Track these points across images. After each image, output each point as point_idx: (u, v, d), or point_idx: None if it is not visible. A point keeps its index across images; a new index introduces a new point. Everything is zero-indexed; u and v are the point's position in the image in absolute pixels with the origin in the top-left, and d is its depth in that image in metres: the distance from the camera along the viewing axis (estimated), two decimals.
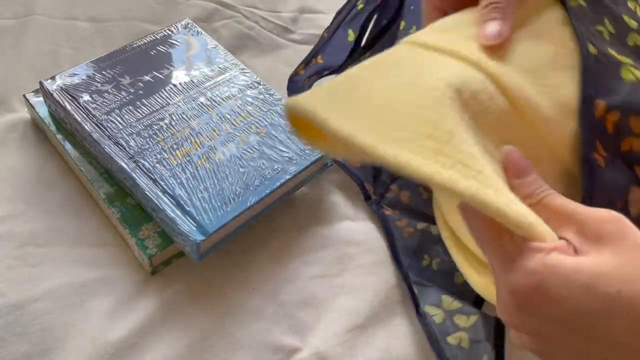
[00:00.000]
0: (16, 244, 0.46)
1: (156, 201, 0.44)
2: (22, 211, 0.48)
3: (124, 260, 0.46)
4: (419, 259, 0.48)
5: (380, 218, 0.52)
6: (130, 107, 0.50)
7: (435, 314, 0.45)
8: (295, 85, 0.58)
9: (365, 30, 0.57)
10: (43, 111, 0.52)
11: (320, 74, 0.58)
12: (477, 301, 0.45)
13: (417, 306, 0.45)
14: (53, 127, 0.51)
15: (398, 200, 0.52)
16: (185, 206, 0.44)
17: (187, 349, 0.42)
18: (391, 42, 0.55)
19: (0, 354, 0.40)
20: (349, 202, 0.53)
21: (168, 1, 0.67)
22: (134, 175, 0.45)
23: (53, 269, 0.45)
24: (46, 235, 0.47)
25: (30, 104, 0.53)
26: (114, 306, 0.43)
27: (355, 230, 0.51)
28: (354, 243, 0.50)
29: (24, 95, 0.53)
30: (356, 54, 0.57)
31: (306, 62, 0.58)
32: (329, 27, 0.57)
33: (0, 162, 0.51)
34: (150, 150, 0.47)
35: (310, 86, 0.58)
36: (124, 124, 0.49)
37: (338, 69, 0.57)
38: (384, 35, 0.56)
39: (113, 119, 0.49)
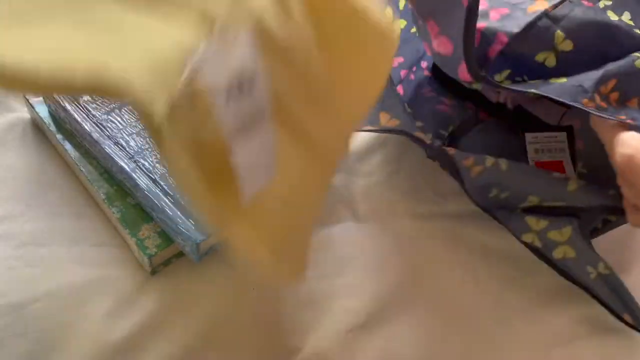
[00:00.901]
0: (16, 244, 0.46)
1: (156, 201, 0.44)
2: (22, 211, 0.48)
3: (124, 260, 0.46)
4: (488, 193, 0.49)
5: (444, 160, 0.50)
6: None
7: (531, 240, 0.47)
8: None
9: None
10: (43, 111, 0.52)
11: None
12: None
13: (516, 235, 0.47)
14: (53, 127, 0.51)
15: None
16: (185, 206, 0.44)
17: (187, 349, 0.42)
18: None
19: (0, 354, 0.40)
20: (349, 201, 0.53)
21: None
22: (134, 175, 0.45)
23: (53, 269, 0.45)
24: (46, 235, 0.47)
25: (30, 104, 0.53)
26: (114, 306, 0.43)
27: (356, 231, 0.51)
28: (354, 243, 0.50)
29: (24, 95, 0.53)
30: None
31: None
32: None
33: (0, 162, 0.51)
34: (150, 150, 0.47)
35: None
36: (124, 124, 0.49)
37: None
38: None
39: (113, 119, 0.49)
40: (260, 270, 0.33)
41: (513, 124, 0.57)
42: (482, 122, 0.58)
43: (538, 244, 0.47)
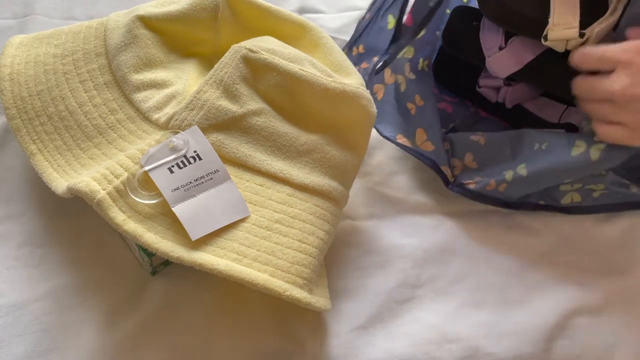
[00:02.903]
0: (16, 244, 0.46)
1: None
2: (22, 211, 0.48)
3: (124, 260, 0.46)
4: (525, 199, 0.52)
5: (470, 195, 0.52)
6: None
7: (570, 200, 0.52)
8: None
9: (403, 13, 0.56)
10: None
11: (364, 59, 0.58)
12: None
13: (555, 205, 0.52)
14: None
15: (469, 169, 0.53)
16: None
17: (187, 350, 0.42)
18: (436, 25, 0.55)
19: (0, 354, 0.40)
20: (348, 201, 0.53)
21: None
22: None
23: (53, 269, 0.45)
24: (46, 235, 0.47)
25: None
26: (113, 306, 0.43)
27: (355, 231, 0.51)
28: (354, 244, 0.50)
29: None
30: (404, 36, 0.55)
31: (348, 47, 0.58)
32: (365, 14, 0.57)
33: (0, 162, 0.50)
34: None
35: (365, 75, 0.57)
36: None
37: (384, 53, 0.56)
38: (432, 16, 0.55)
39: None
40: (251, 286, 0.37)
41: (513, 122, 0.57)
42: (482, 120, 0.58)
43: (577, 198, 0.51)
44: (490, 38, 0.52)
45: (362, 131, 0.47)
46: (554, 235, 0.52)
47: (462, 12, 0.56)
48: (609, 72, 0.43)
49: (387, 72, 0.53)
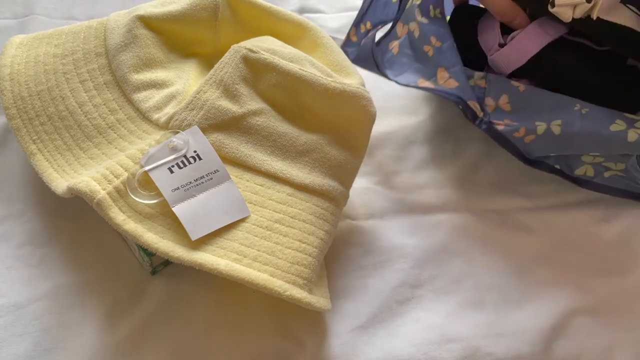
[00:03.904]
0: (16, 244, 0.46)
1: None
2: (22, 211, 0.48)
3: (124, 260, 0.46)
4: (546, 159, 0.52)
5: (495, 135, 0.51)
6: None
7: (583, 172, 0.52)
8: (360, 50, 0.57)
9: None
10: None
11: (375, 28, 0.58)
12: None
13: (568, 173, 0.52)
14: None
15: (501, 110, 0.51)
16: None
17: (187, 350, 0.42)
18: None
19: (0, 354, 0.40)
20: (348, 201, 0.53)
21: None
22: None
23: (53, 269, 0.45)
24: (46, 235, 0.47)
25: None
26: (113, 306, 0.43)
27: (355, 231, 0.51)
28: (354, 244, 0.50)
29: None
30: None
31: (356, 24, 0.58)
32: None
33: (0, 162, 0.51)
34: None
35: (372, 45, 0.56)
36: None
37: (394, 22, 0.56)
38: None
39: None
40: (249, 285, 0.37)
41: None
42: None
43: (590, 173, 0.50)
44: (487, 38, 0.52)
45: (362, 131, 0.47)
46: (554, 235, 0.52)
47: (463, 11, 0.56)
48: None
49: (399, 27, 0.53)
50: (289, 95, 0.44)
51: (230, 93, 0.43)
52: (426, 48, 0.53)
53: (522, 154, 0.52)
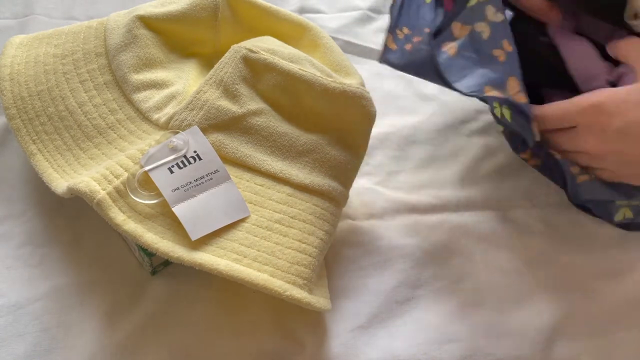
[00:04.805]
0: (16, 244, 0.46)
1: None
2: (22, 211, 0.48)
3: (124, 260, 0.46)
4: (587, 204, 0.52)
5: (549, 163, 0.50)
6: None
7: (622, 217, 0.51)
8: (411, 56, 0.52)
9: None
10: None
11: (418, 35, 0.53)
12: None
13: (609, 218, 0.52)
14: None
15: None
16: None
17: (187, 349, 0.42)
18: None
19: (0, 354, 0.40)
20: (348, 201, 0.53)
21: None
22: None
23: (53, 269, 0.45)
24: (46, 235, 0.47)
25: None
26: (113, 306, 0.43)
27: (355, 231, 0.51)
28: (354, 244, 0.50)
29: None
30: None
31: (391, 31, 0.53)
32: None
33: (0, 162, 0.51)
34: None
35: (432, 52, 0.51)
36: None
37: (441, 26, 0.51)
38: None
39: None
40: (249, 285, 0.37)
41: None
42: None
43: (629, 215, 0.50)
44: (586, 65, 0.49)
45: (362, 131, 0.47)
46: (554, 235, 0.52)
47: (520, 30, 0.49)
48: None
49: (457, 27, 0.49)
50: (289, 95, 0.44)
51: (230, 93, 0.43)
52: (496, 52, 0.47)
53: (569, 195, 0.51)
